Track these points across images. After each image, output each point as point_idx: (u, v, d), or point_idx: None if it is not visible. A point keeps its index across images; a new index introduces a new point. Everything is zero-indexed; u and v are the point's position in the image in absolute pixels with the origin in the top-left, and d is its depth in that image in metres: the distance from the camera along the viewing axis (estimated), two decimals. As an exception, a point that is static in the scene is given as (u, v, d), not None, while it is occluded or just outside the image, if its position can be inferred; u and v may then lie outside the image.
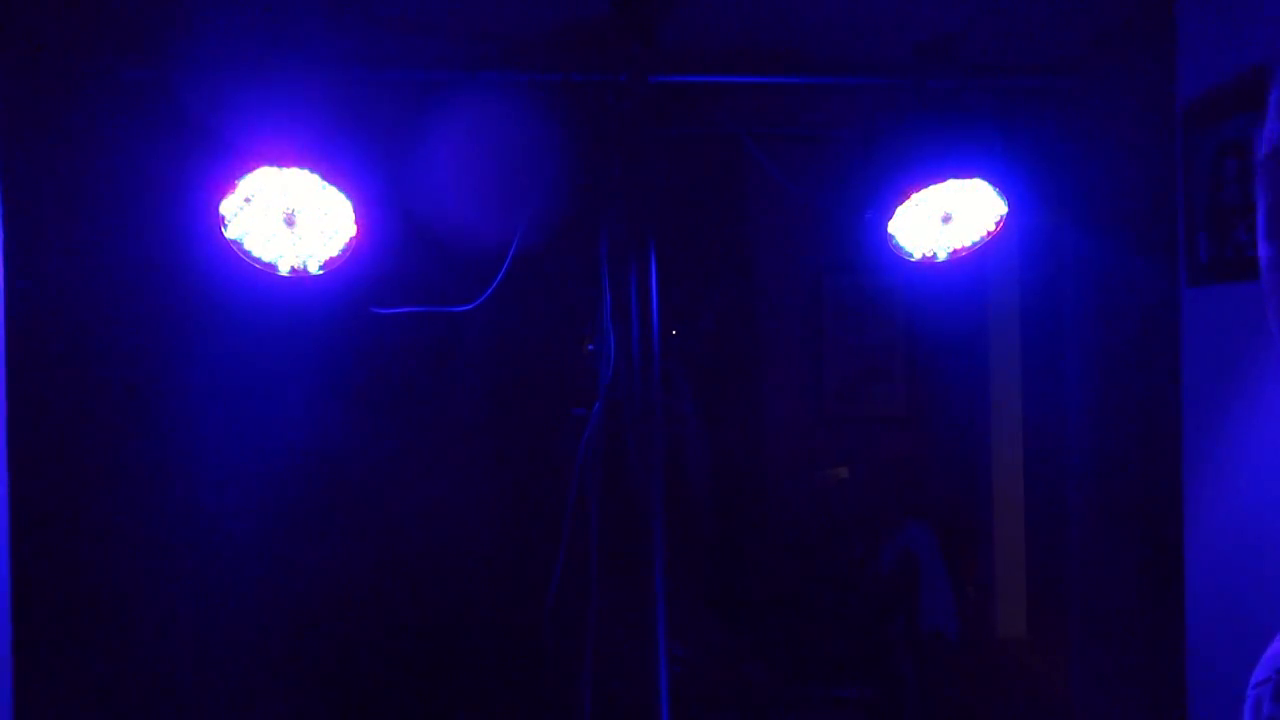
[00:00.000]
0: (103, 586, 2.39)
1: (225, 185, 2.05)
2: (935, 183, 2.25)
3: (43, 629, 2.00)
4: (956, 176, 2.26)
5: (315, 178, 2.08)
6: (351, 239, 2.17)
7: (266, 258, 2.15)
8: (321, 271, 2.18)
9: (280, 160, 2.05)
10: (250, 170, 2.05)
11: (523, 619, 3.06)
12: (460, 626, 3.16)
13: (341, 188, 2.11)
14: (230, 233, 2.10)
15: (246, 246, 2.13)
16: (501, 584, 3.18)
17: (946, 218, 2.37)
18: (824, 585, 4.28)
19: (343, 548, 3.10)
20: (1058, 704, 4.07)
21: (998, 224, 2.35)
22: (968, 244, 2.39)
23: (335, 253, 2.18)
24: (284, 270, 2.16)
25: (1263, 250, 0.61)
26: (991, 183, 2.27)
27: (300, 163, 2.06)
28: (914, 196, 2.27)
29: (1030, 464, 5.07)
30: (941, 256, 2.40)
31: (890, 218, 2.32)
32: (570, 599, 2.87)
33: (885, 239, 2.36)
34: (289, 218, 2.14)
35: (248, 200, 2.08)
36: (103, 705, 2.34)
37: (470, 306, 2.47)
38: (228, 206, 2.07)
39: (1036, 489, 5.04)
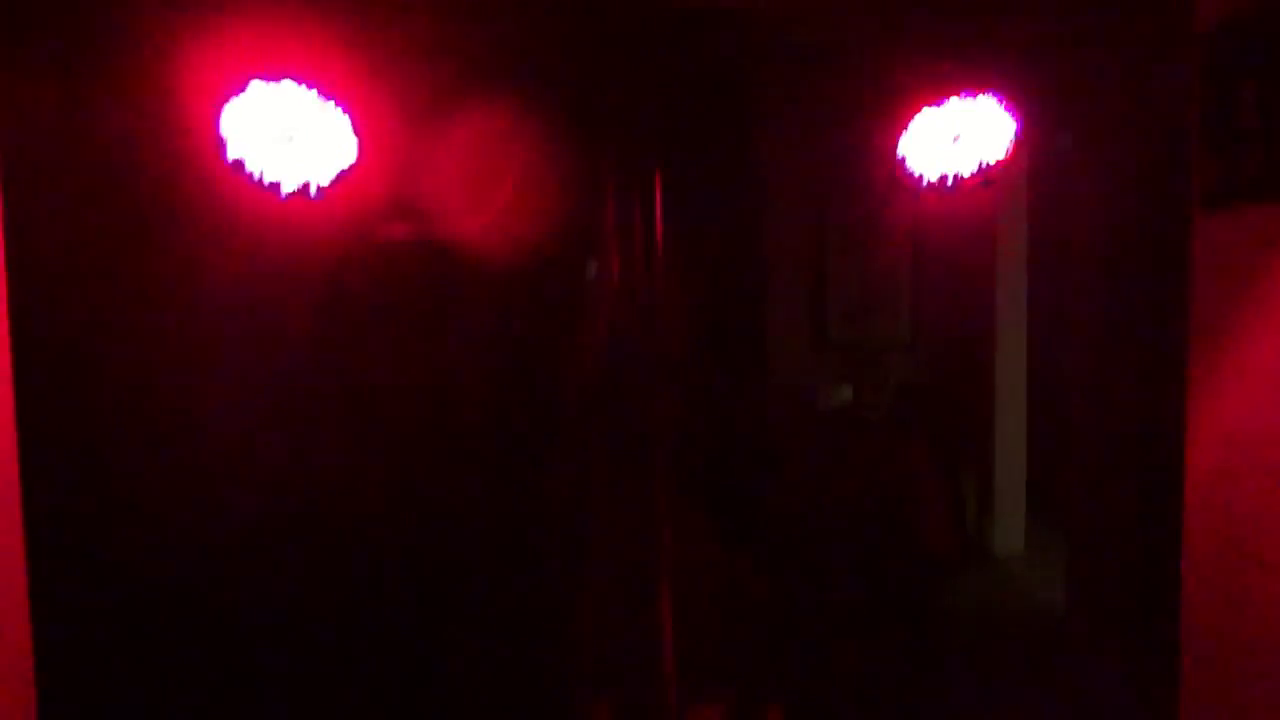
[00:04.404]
0: (111, 505, 2.42)
1: (226, 104, 2.02)
2: (945, 102, 2.21)
3: (58, 540, 2.02)
4: (967, 96, 2.22)
5: (314, 95, 2.06)
6: (352, 159, 2.15)
7: (268, 178, 2.13)
8: (322, 192, 2.16)
9: (279, 77, 2.03)
10: (250, 87, 2.02)
11: (525, 544, 3.10)
12: (461, 543, 3.20)
13: (341, 105, 2.08)
14: (231, 153, 2.08)
15: (248, 167, 2.11)
16: (504, 504, 3.22)
17: (956, 138, 2.33)
18: (825, 505, 4.33)
19: (344, 463, 3.13)
20: (1051, 618, 4.15)
21: (1008, 145, 2.31)
22: (977, 165, 2.35)
23: (336, 172, 2.16)
24: (286, 190, 2.14)
25: None
26: (1002, 104, 2.23)
27: (299, 79, 2.04)
28: (923, 116, 2.24)
29: (1034, 387, 5.09)
30: (950, 179, 2.37)
31: (900, 139, 2.29)
32: (572, 525, 2.91)
33: (894, 161, 2.33)
34: (289, 137, 2.12)
35: (249, 120, 2.06)
36: (118, 642, 2.38)
37: (473, 228, 2.46)
38: (229, 126, 2.05)
39: (1039, 411, 5.07)
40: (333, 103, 2.07)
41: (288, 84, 2.03)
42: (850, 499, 4.35)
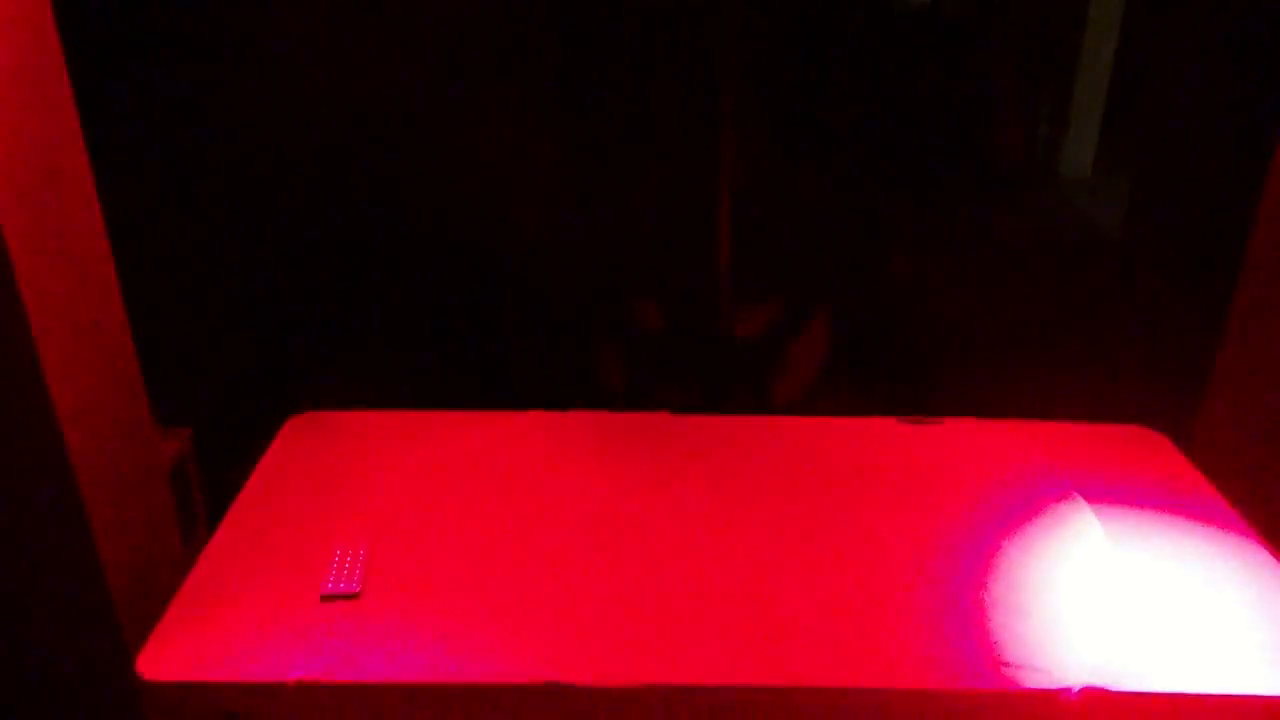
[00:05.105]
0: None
1: None
2: None
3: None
4: None
5: None
6: None
7: None
8: None
9: None
10: None
11: (583, 139, 3.05)
12: (517, 131, 3.17)
13: None
14: None
15: None
16: (563, 103, 3.14)
17: None
18: (892, 109, 4.20)
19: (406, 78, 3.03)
20: (1108, 243, 4.15)
21: None
22: None
23: None
24: None
25: None
26: None
27: None
28: None
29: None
30: None
31: None
32: (632, 123, 2.86)
33: None
34: None
35: None
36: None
37: None
38: None
39: (1131, 28, 4.73)
40: None
41: None
42: (920, 106, 4.22)
